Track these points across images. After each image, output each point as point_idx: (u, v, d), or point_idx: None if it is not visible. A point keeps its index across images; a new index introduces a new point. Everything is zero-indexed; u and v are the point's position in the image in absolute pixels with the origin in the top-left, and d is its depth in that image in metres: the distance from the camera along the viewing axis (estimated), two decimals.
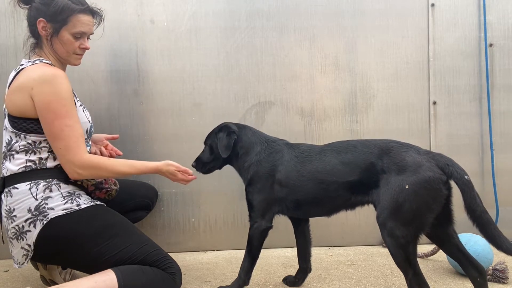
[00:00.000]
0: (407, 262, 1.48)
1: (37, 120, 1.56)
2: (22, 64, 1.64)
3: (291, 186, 1.71)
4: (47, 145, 1.58)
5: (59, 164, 1.59)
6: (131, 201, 2.02)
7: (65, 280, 1.89)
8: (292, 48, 2.48)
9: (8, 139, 1.60)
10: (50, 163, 1.59)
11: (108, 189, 1.75)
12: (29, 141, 1.57)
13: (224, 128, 1.86)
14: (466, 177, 1.48)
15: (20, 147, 1.57)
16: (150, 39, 2.42)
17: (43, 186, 1.54)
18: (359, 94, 2.51)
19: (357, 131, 2.51)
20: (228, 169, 1.94)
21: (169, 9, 2.42)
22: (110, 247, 1.54)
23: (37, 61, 1.63)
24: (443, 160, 1.52)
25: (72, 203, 1.56)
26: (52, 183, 1.56)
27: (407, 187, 1.47)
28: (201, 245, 2.49)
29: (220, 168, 1.93)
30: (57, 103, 1.53)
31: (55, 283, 1.84)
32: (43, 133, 1.57)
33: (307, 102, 2.49)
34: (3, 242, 1.65)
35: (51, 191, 1.55)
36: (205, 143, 1.93)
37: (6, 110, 1.61)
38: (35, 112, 1.55)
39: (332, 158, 1.67)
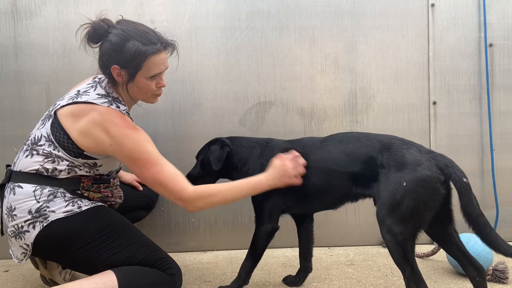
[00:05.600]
0: (404, 259, 1.49)
1: (80, 149, 1.54)
2: (89, 94, 1.57)
3: None
4: (68, 161, 1.55)
5: (71, 176, 1.57)
6: (132, 200, 2.02)
7: (65, 280, 1.88)
8: (292, 48, 2.48)
9: (38, 136, 1.57)
10: (63, 175, 1.56)
11: (113, 202, 1.74)
12: (56, 153, 1.54)
13: (217, 141, 1.85)
14: (465, 180, 1.49)
15: (44, 151, 1.54)
16: None
17: (48, 191, 1.53)
18: (359, 94, 2.51)
19: (357, 131, 2.50)
20: None
21: (169, 9, 2.42)
22: (111, 248, 1.54)
23: (113, 105, 1.56)
24: (443, 161, 1.53)
25: (73, 205, 1.55)
26: (58, 191, 1.54)
27: (404, 184, 1.48)
28: (201, 245, 2.49)
29: (214, 182, 1.90)
30: (140, 158, 1.54)
31: (55, 283, 1.83)
32: (74, 157, 1.54)
33: (307, 102, 2.49)
34: (2, 234, 1.65)
35: (55, 197, 1.53)
36: (196, 157, 1.92)
37: (54, 112, 1.57)
38: (92, 150, 1.54)
39: (334, 147, 1.69)
